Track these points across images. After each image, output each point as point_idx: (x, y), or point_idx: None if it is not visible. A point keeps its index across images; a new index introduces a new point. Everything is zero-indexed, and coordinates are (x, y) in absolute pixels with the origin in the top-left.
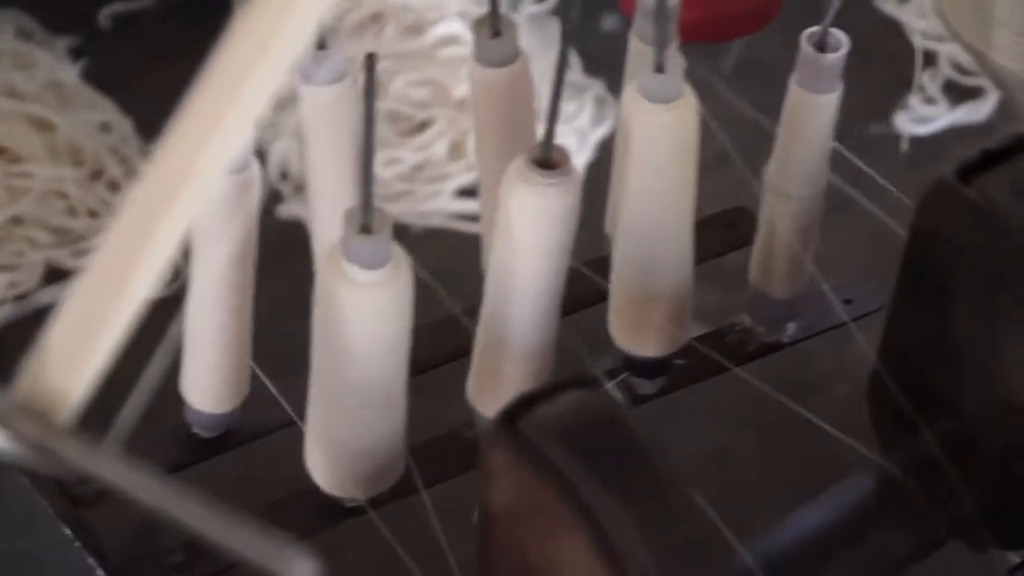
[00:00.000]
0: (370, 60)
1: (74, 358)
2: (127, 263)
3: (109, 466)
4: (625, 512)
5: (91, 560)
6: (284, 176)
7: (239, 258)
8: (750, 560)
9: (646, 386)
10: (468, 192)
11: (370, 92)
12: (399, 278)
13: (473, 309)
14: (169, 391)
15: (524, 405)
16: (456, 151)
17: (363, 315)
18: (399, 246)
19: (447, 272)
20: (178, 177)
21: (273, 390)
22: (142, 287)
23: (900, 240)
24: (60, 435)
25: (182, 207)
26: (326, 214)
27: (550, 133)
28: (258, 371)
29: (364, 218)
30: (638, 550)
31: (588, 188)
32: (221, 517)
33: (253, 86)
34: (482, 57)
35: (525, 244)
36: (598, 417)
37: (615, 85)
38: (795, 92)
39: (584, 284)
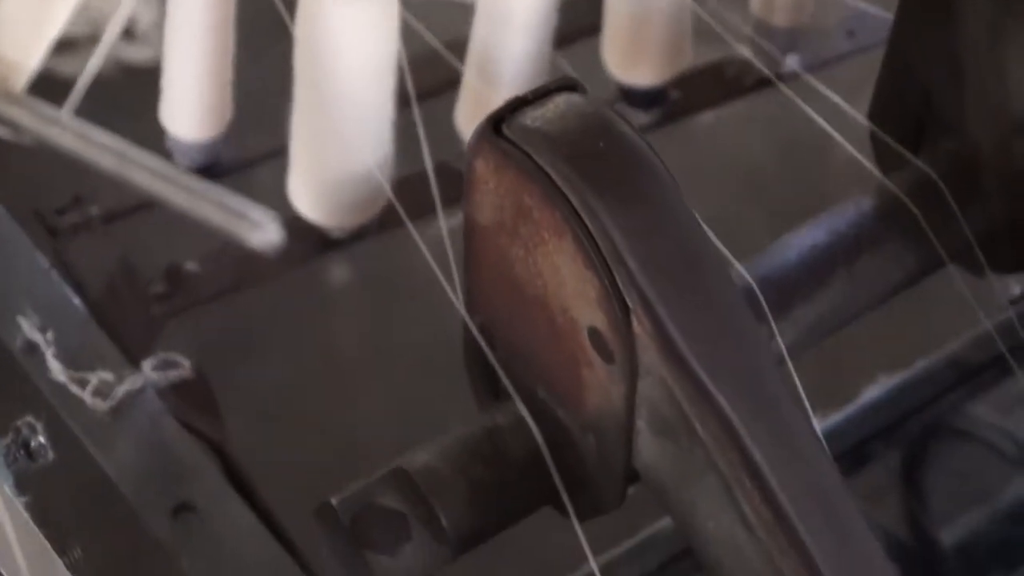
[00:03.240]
0: None
1: (27, 27)
2: None
3: (64, 129)
4: (615, 217)
5: (68, 290)
6: None
7: None
8: (746, 277)
9: (641, 117)
10: None
11: None
12: None
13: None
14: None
15: (510, 110)
16: None
17: (347, 31)
18: None
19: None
20: None
21: None
22: None
23: None
24: (15, 100)
25: None
26: None
27: None
28: None
29: None
30: (627, 258)
31: None
32: (184, 180)
33: None
34: None
35: None
36: (589, 119)
37: None
38: None
39: (578, 15)
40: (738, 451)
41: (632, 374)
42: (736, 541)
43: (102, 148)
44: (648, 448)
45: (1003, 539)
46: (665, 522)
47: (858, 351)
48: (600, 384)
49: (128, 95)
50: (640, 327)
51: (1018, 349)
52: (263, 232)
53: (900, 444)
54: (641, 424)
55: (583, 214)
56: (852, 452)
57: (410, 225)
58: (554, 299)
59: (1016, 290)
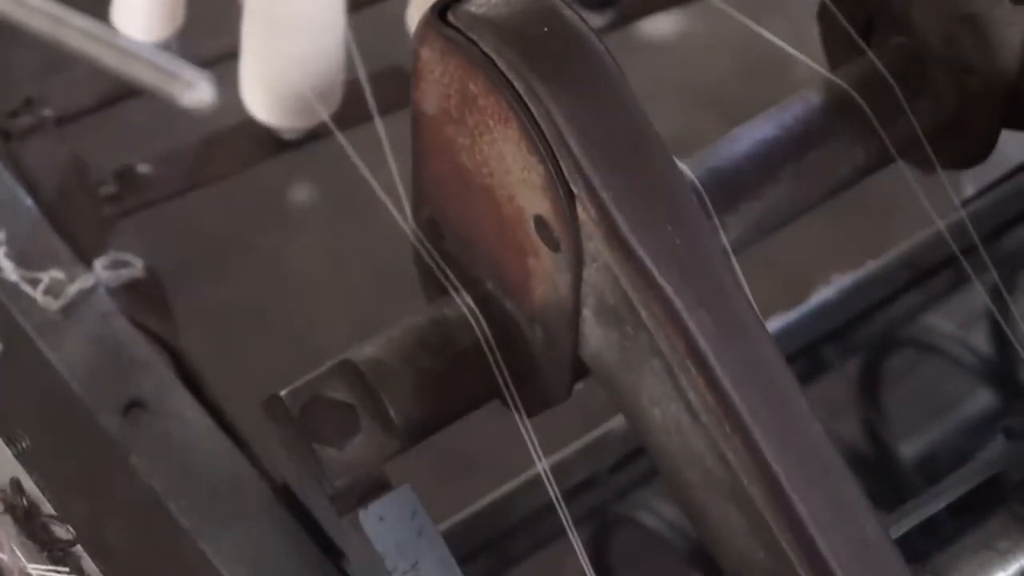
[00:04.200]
0: None
1: None
2: None
3: None
4: (559, 103)
5: (20, 191)
6: None
7: None
8: (688, 174)
9: (596, 19)
10: None
11: None
12: None
13: None
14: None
15: None
16: None
17: None
18: None
19: None
20: None
21: None
22: None
23: None
24: None
25: None
26: None
27: None
28: None
29: None
30: (571, 143)
31: None
32: (118, 41)
33: None
34: None
35: None
36: (533, 5)
37: None
38: None
39: None
40: (682, 336)
41: (577, 261)
42: (681, 427)
43: (35, 11)
44: (594, 336)
45: (963, 451)
46: (616, 422)
47: (811, 252)
48: (546, 273)
49: (87, 7)
50: (585, 213)
51: (971, 251)
52: (195, 91)
53: (861, 356)
54: (587, 313)
55: (527, 100)
56: (808, 357)
57: (340, 136)
58: (500, 188)
59: (968, 191)
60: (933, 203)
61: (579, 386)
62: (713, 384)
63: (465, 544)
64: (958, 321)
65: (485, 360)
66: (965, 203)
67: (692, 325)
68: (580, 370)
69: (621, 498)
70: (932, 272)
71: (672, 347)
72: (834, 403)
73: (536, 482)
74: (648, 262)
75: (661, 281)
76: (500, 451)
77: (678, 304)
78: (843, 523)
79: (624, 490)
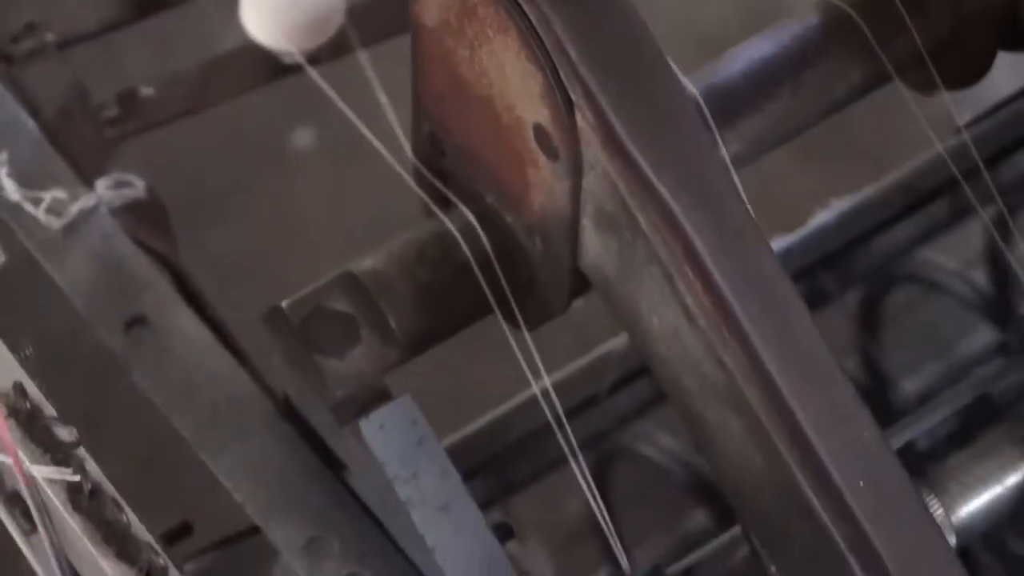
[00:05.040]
0: None
1: None
2: None
3: None
4: (558, 10)
5: (23, 113)
6: None
7: None
8: (690, 88)
9: None
10: None
11: None
12: None
13: None
14: None
15: None
16: None
17: None
18: None
19: None
20: None
21: None
22: None
23: None
24: None
25: None
26: None
27: None
28: None
29: None
30: (570, 50)
31: None
32: None
33: None
34: None
35: None
36: None
37: None
38: None
39: None
40: (679, 241)
41: (576, 170)
42: (679, 333)
43: None
44: (593, 245)
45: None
46: (614, 343)
47: (808, 177)
48: (545, 182)
49: None
50: (583, 121)
51: (970, 175)
52: None
53: (861, 290)
54: (586, 222)
55: (526, 8)
56: (807, 283)
57: (313, 72)
58: (499, 98)
59: (967, 116)
60: (935, 127)
61: (578, 303)
62: (710, 288)
63: (464, 463)
64: (957, 256)
65: (485, 272)
66: (968, 124)
67: (689, 229)
68: (579, 283)
69: (620, 427)
70: (930, 197)
71: (670, 252)
72: (834, 340)
73: (535, 402)
74: (646, 167)
75: (658, 186)
76: (497, 378)
77: (675, 209)
78: (841, 427)
79: (623, 417)
